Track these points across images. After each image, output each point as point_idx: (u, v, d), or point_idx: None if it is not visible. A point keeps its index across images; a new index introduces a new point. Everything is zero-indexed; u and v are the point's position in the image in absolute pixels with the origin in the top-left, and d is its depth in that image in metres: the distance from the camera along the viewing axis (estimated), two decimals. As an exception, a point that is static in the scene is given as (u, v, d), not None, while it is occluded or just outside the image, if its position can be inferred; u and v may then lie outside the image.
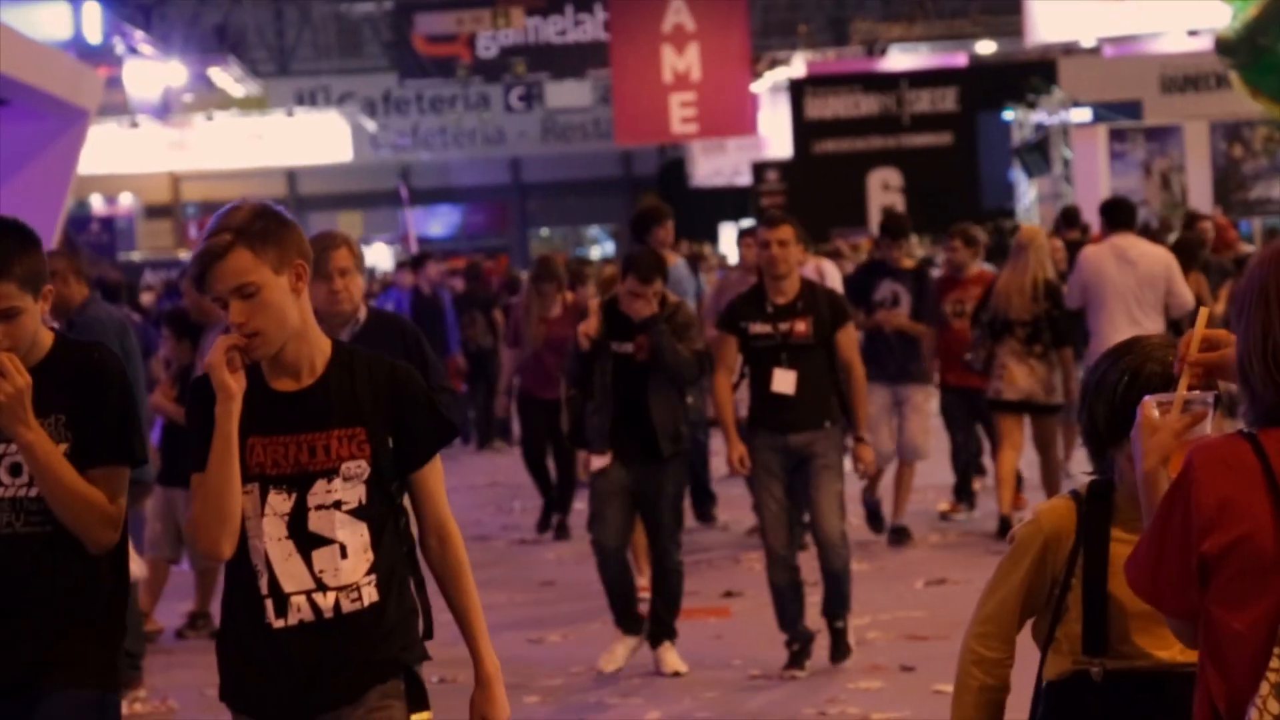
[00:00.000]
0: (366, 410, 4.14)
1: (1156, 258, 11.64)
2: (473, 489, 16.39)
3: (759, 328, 8.97)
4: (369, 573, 4.13)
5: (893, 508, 12.34)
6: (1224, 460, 2.85)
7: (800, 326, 8.93)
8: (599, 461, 8.96)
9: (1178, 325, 11.43)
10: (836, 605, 9.00)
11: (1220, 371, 3.25)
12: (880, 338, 12.24)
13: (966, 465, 13.24)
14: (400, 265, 22.76)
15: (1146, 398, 3.21)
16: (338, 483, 4.11)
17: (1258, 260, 2.96)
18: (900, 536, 12.22)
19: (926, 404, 12.57)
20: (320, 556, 4.11)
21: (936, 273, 14.73)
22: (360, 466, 4.12)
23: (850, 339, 9.15)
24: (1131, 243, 11.70)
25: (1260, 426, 2.90)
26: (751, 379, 9.05)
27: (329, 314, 6.70)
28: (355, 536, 4.12)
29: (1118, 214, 11.91)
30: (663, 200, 14.30)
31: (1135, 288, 11.43)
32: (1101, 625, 3.90)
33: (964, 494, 13.22)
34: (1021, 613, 4.00)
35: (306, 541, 4.10)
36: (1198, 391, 3.21)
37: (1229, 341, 3.22)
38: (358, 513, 4.13)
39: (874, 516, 12.54)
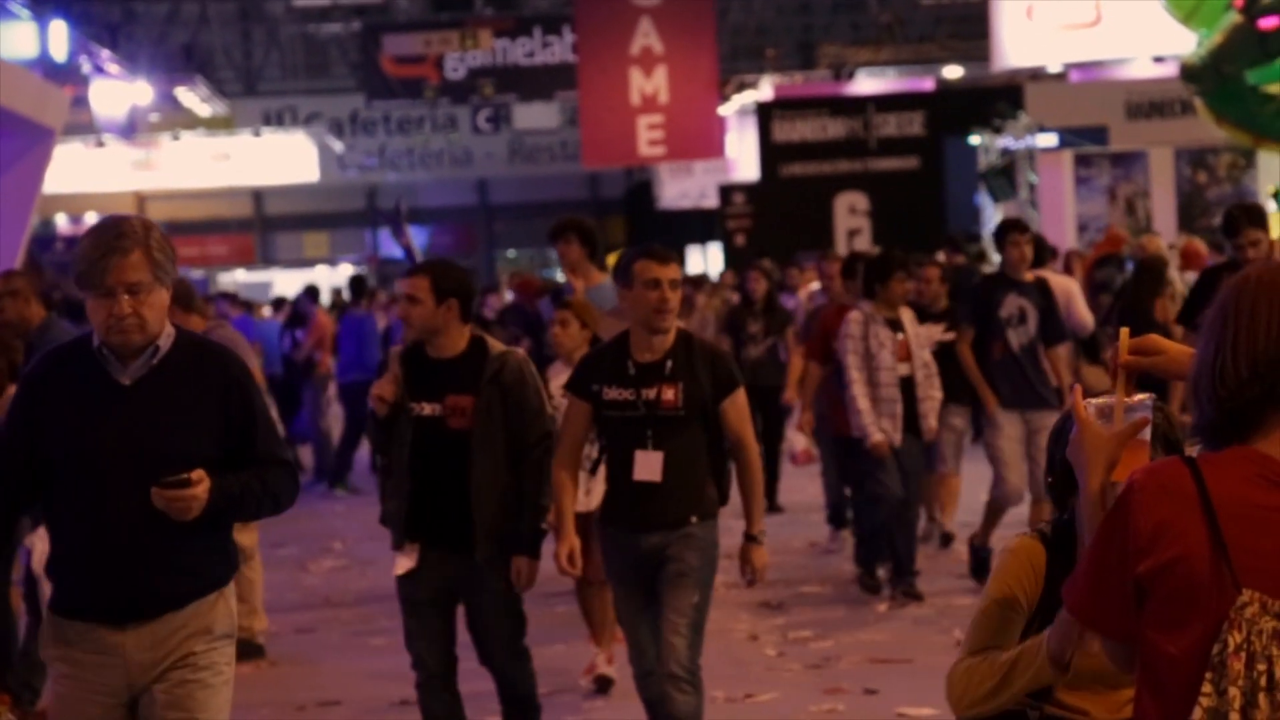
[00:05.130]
0: None
1: None
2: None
3: (616, 393, 6.88)
4: None
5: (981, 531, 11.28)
6: (1163, 485, 2.87)
7: (668, 394, 6.82)
8: (404, 563, 6.87)
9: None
10: None
11: (1154, 375, 3.26)
12: (1009, 356, 11.08)
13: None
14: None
15: (1084, 399, 3.17)
16: None
17: (1228, 286, 2.99)
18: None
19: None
20: None
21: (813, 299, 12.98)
22: None
23: (739, 409, 6.92)
24: None
25: (1204, 447, 2.92)
26: (607, 459, 7.07)
27: (111, 345, 4.79)
28: None
29: None
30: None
31: None
32: None
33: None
34: (1010, 628, 3.99)
35: None
36: (1139, 397, 3.20)
37: (1163, 348, 3.24)
38: None
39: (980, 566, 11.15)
